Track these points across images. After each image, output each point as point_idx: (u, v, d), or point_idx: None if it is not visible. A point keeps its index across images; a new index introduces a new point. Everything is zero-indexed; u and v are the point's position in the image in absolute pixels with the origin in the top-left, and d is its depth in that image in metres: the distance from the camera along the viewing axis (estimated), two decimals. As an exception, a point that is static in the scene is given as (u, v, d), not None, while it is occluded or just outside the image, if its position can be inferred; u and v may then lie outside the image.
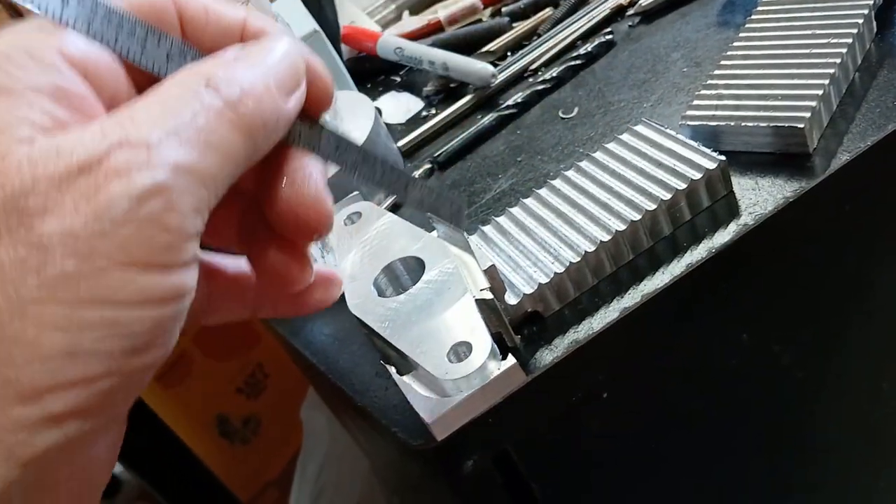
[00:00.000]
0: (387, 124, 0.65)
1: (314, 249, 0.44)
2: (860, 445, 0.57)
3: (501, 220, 0.47)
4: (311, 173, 0.28)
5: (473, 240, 0.46)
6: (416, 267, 0.40)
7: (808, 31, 0.49)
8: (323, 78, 0.28)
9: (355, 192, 0.46)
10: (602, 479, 0.48)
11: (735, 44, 0.51)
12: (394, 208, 0.56)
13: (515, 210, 0.46)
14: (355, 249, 0.43)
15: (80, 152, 0.21)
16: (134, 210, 0.21)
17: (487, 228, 0.47)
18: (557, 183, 0.47)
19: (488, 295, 0.37)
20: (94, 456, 0.24)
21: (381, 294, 0.40)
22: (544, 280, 0.41)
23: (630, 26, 0.63)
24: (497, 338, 0.41)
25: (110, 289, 0.21)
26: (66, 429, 0.21)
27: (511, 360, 0.35)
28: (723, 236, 0.42)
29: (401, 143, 0.62)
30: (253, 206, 0.29)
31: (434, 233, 0.44)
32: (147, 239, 0.22)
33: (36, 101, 0.22)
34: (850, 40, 0.47)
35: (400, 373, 0.37)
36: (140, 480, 1.24)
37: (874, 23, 0.50)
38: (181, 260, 0.23)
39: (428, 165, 0.58)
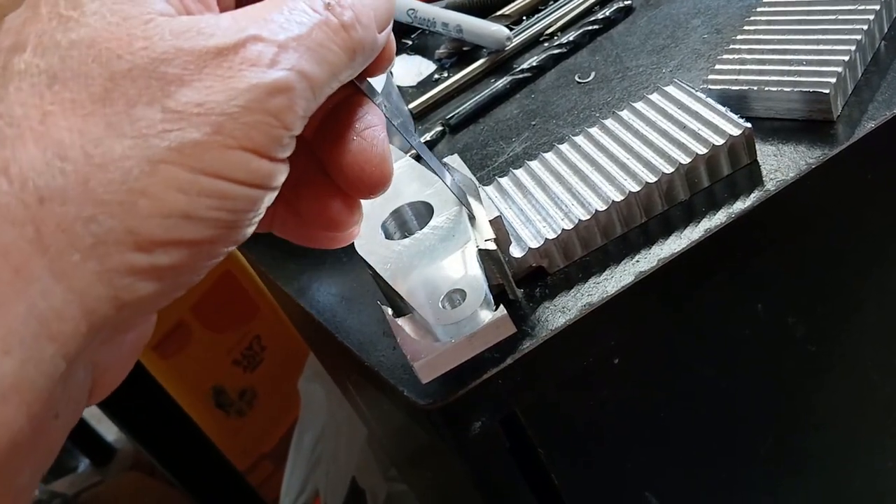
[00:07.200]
0: (398, 87, 0.64)
1: None
2: (869, 424, 0.56)
3: (519, 173, 0.46)
4: (378, 132, 0.30)
5: (489, 191, 0.46)
6: (424, 212, 0.40)
7: (835, -3, 0.48)
8: (391, 41, 0.31)
9: None
10: (609, 447, 0.47)
11: (758, 9, 0.49)
12: (418, 157, 0.55)
13: (534, 164, 0.46)
14: None
15: (219, 36, 0.23)
16: (262, 100, 0.23)
17: (504, 180, 0.46)
18: (580, 140, 0.46)
19: (492, 245, 0.37)
20: (153, 318, 0.27)
21: (388, 237, 0.40)
22: (551, 236, 0.41)
23: (649, -8, 0.62)
24: (498, 290, 0.40)
25: (229, 164, 0.23)
26: (163, 283, 0.23)
27: (502, 310, 0.34)
28: (742, 202, 0.41)
29: (412, 105, 0.61)
30: (306, 152, 0.30)
31: (448, 179, 0.44)
32: (266, 128, 0.24)
33: None
34: (877, 7, 0.46)
35: (395, 315, 0.37)
36: (136, 447, 1.24)
37: (902, -9, 0.49)
38: (283, 155, 0.25)
39: (440, 128, 0.57)
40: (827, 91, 0.42)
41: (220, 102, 0.23)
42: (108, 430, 1.48)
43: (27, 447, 0.21)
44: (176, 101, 0.22)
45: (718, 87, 0.46)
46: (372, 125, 0.30)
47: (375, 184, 0.30)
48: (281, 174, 0.25)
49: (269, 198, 0.25)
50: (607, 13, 0.60)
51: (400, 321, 0.37)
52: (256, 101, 0.23)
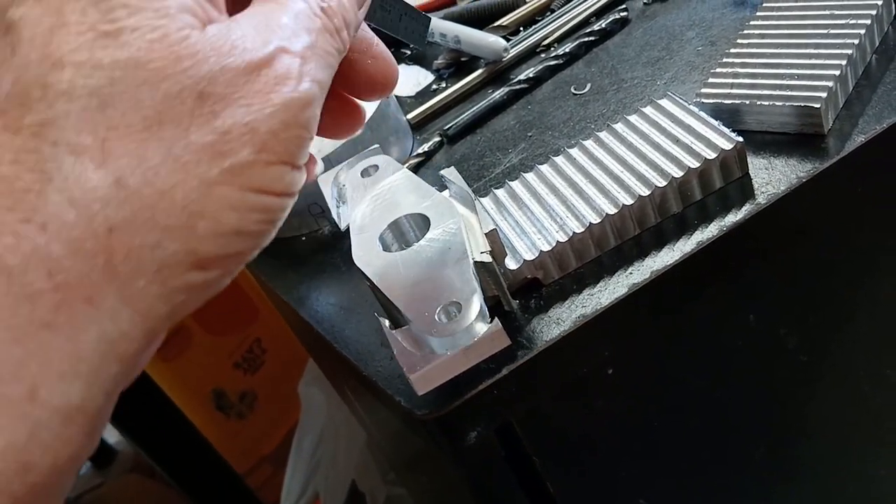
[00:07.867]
0: (396, 97, 0.65)
1: (330, 202, 0.44)
2: (862, 433, 0.57)
3: (515, 184, 0.47)
4: (382, 46, 0.31)
5: (485, 202, 0.46)
6: (421, 224, 0.40)
7: (826, 12, 0.48)
8: (391, 63, 0.32)
9: (376, 146, 0.46)
10: (604, 455, 0.48)
11: (751, 23, 0.50)
12: (416, 168, 0.55)
13: (529, 176, 0.46)
14: (367, 202, 0.43)
15: (250, 51, 0.24)
16: (297, 115, 0.24)
17: (500, 192, 0.47)
18: (574, 152, 0.46)
19: (487, 258, 0.38)
20: None
21: (385, 248, 0.40)
22: (546, 248, 0.42)
23: (645, 3, 0.63)
24: (494, 301, 0.41)
25: (271, 179, 0.24)
26: (211, 290, 0.24)
27: (497, 323, 0.34)
28: (734, 215, 0.42)
29: (410, 115, 0.61)
30: None
31: (445, 192, 0.44)
32: (300, 140, 0.25)
33: None
34: (868, 21, 0.47)
35: (392, 327, 0.37)
36: (136, 450, 1.24)
37: (893, 5, 0.49)
38: (306, 160, 0.26)
39: (437, 138, 0.58)
40: (818, 105, 0.43)
41: (262, 121, 0.24)
42: (109, 433, 1.48)
43: (80, 463, 0.22)
44: (224, 122, 0.23)
45: (711, 100, 0.46)
46: (375, 42, 0.31)
47: (388, 79, 0.31)
48: (304, 178, 0.26)
49: (295, 200, 0.26)
50: (603, 25, 0.61)
51: (396, 333, 0.37)
52: (293, 117, 0.24)
